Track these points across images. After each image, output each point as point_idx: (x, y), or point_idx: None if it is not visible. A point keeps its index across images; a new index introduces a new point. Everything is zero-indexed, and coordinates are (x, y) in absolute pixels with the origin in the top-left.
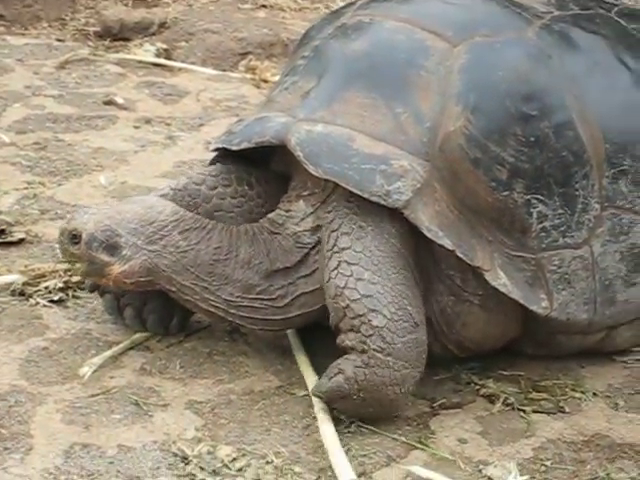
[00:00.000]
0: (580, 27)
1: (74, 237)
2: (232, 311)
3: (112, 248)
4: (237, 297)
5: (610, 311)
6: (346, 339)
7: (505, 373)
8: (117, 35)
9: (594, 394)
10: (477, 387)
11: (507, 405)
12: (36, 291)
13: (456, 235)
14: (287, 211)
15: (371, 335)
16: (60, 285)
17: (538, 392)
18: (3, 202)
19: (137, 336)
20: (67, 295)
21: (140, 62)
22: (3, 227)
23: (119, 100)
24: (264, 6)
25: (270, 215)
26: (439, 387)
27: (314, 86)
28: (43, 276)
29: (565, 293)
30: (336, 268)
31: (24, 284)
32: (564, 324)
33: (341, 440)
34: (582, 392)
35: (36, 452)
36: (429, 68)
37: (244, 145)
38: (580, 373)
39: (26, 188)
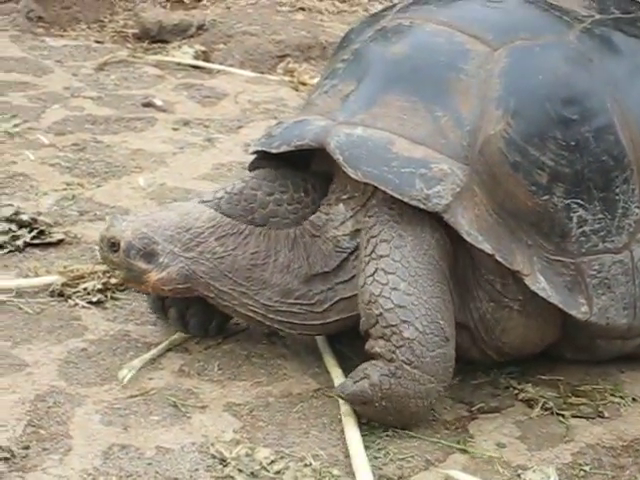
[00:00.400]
0: (621, 31)
1: (113, 245)
2: (271, 316)
3: (149, 255)
4: (275, 302)
5: None
6: (376, 346)
7: (544, 378)
8: (155, 37)
9: (633, 399)
10: (516, 391)
11: (546, 410)
12: (75, 292)
13: (495, 239)
14: (327, 214)
15: (401, 346)
16: (99, 286)
17: (577, 397)
18: (42, 203)
19: (175, 337)
20: (106, 296)
21: (178, 64)
22: (42, 228)
23: (158, 102)
24: (302, 9)
25: (311, 218)
26: (477, 391)
27: (354, 89)
28: (82, 277)
29: (605, 298)
30: (372, 275)
31: (63, 285)
32: (603, 329)
33: (378, 443)
34: (621, 397)
35: (75, 453)
36: (469, 72)
37: (284, 148)
38: (619, 378)
39: (65, 189)
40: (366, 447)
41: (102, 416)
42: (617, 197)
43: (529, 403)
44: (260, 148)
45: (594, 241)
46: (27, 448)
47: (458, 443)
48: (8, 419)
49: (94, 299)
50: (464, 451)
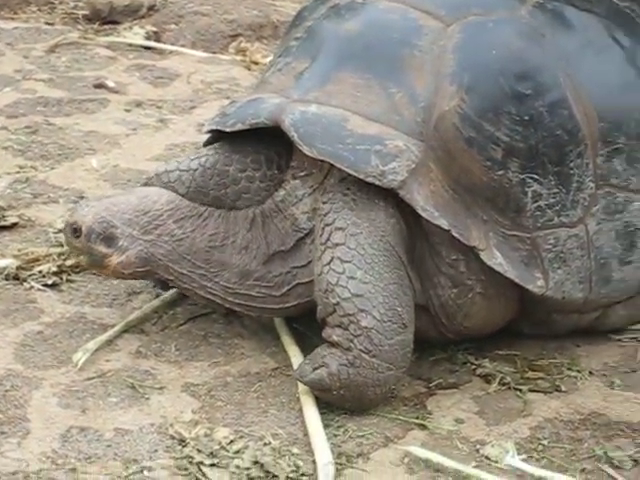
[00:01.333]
0: (573, 5)
1: (75, 230)
2: (229, 298)
3: (109, 239)
4: (234, 283)
5: (606, 290)
6: (333, 334)
7: (501, 353)
8: (106, 18)
9: (590, 373)
10: (473, 367)
11: (503, 385)
12: (30, 275)
13: (451, 215)
14: (286, 191)
15: (359, 335)
16: (54, 269)
17: (534, 371)
18: None
19: (132, 319)
20: (61, 279)
21: (130, 45)
22: None
23: (110, 83)
24: None
25: (273, 195)
26: (435, 367)
27: (307, 67)
28: (37, 260)
29: (560, 272)
30: (329, 264)
31: (18, 268)
32: (560, 303)
33: (337, 421)
34: (578, 371)
35: (33, 436)
36: (423, 48)
37: (238, 127)
38: (576, 352)
39: (18, 172)
40: (325, 425)
41: (60, 399)
42: (571, 171)
43: (487, 378)
44: (215, 127)
45: (549, 215)
46: None
47: (417, 419)
48: None
49: (49, 282)
50: (423, 427)
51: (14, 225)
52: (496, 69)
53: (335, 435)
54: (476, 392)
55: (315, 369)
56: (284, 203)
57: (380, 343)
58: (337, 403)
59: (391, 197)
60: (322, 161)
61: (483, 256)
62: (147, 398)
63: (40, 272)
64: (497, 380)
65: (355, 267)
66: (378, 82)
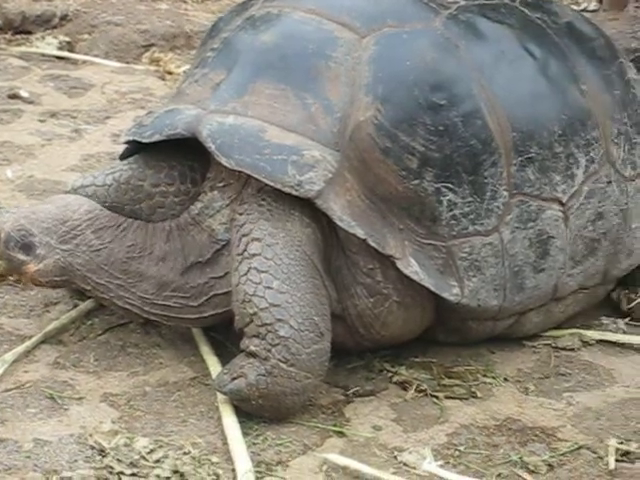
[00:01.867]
0: (486, 17)
1: None
2: (146, 308)
3: (27, 247)
4: (152, 294)
5: (520, 297)
6: (250, 344)
7: (417, 360)
8: (18, 28)
9: (505, 379)
10: (390, 374)
11: (420, 392)
12: None
13: (368, 224)
14: (203, 203)
15: (277, 345)
16: None
17: (450, 378)
18: None
19: (50, 329)
20: None
21: (43, 55)
22: None
23: (24, 94)
24: None
25: (189, 208)
26: (352, 375)
27: (224, 78)
28: None
29: (475, 280)
30: (246, 274)
31: None
32: (475, 311)
33: (256, 429)
34: (493, 377)
35: None
36: (338, 59)
37: (156, 137)
38: (491, 359)
39: None
40: (244, 433)
41: None
42: (486, 180)
43: (403, 385)
44: (132, 137)
45: (464, 224)
46: None
47: (335, 427)
48: None
49: None
50: (341, 434)
51: None
52: (410, 80)
53: (254, 443)
54: (393, 399)
55: (234, 379)
56: (201, 215)
57: (298, 352)
58: (256, 412)
59: (307, 207)
60: (240, 172)
61: (399, 265)
62: (66, 409)
63: None
64: (414, 387)
65: (272, 277)
66: (294, 93)
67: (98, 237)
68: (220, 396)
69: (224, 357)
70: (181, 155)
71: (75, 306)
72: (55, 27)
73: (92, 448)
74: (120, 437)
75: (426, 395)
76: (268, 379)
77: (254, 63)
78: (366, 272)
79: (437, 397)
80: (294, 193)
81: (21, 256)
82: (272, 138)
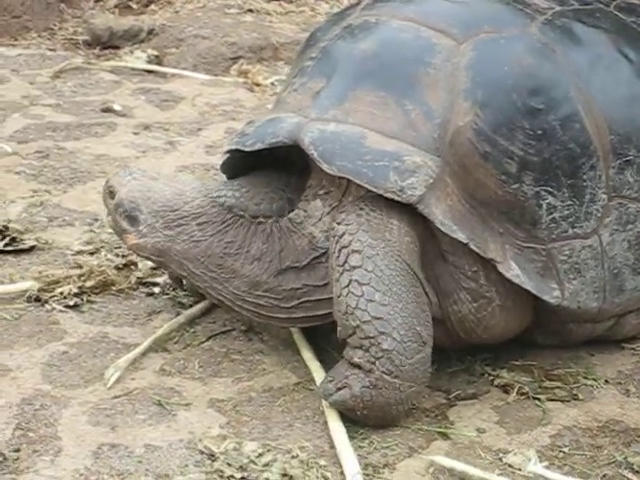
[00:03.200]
0: (581, 22)
1: (111, 192)
2: (238, 303)
3: (132, 220)
4: (243, 292)
5: (619, 299)
6: (354, 356)
7: (517, 363)
8: (106, 43)
9: (606, 381)
10: (491, 378)
11: (522, 394)
12: (51, 297)
13: (469, 228)
14: (305, 211)
15: (380, 357)
16: (75, 290)
17: (551, 381)
18: (11, 211)
19: (156, 336)
20: (82, 300)
21: (133, 69)
22: (14, 235)
23: (116, 107)
24: (250, 10)
25: (290, 215)
26: (453, 379)
27: (324, 86)
28: (57, 282)
29: (576, 282)
30: (347, 286)
31: (39, 290)
32: (575, 313)
33: (362, 433)
34: (594, 379)
35: (65, 454)
36: (436, 65)
37: (258, 146)
38: (591, 361)
39: (32, 196)
40: (350, 437)
41: (89, 417)
42: (584, 184)
43: (505, 388)
44: (234, 147)
45: (563, 227)
46: (18, 451)
47: (439, 429)
48: None
49: (71, 303)
50: (445, 437)
51: (32, 248)
52: (509, 85)
53: (360, 447)
54: (495, 402)
55: (338, 389)
56: (302, 223)
57: (401, 364)
58: (360, 421)
59: (405, 215)
60: (340, 178)
61: (500, 268)
62: (174, 415)
63: (61, 294)
64: (515, 390)
65: (373, 289)
66: (394, 99)
67: (201, 229)
68: (325, 402)
69: (326, 362)
70: (281, 168)
71: (178, 314)
72: (142, 41)
73: (202, 453)
74: (229, 442)
75: (528, 398)
76: (373, 391)
77: (353, 71)
78: (470, 276)
79: (539, 399)
80: (396, 199)
81: (125, 224)
82: (373, 144)
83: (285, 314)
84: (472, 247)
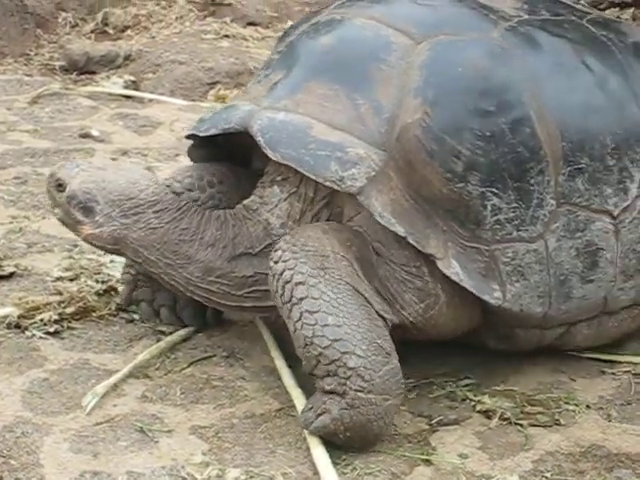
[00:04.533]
0: (547, 31)
1: (59, 185)
2: (190, 288)
3: (87, 211)
4: (197, 277)
5: (566, 306)
6: (325, 384)
7: (499, 388)
8: (83, 68)
9: (587, 406)
10: (473, 403)
11: (504, 420)
12: (32, 323)
13: (409, 223)
14: (261, 197)
15: (350, 377)
16: (55, 317)
17: (533, 406)
18: None
19: (136, 363)
20: (62, 327)
21: (110, 94)
22: None
23: (94, 133)
24: (227, 36)
25: (245, 201)
26: (435, 404)
27: (282, 78)
28: (37, 308)
29: (518, 285)
30: (299, 319)
31: (19, 317)
32: (519, 316)
33: (345, 459)
34: (575, 405)
35: None
36: (391, 62)
37: (212, 131)
38: (572, 386)
39: (11, 222)
40: (333, 463)
41: (71, 444)
42: (532, 188)
43: (487, 414)
44: (192, 132)
45: (508, 229)
46: (0, 479)
47: (422, 455)
48: None
49: (51, 329)
50: (428, 463)
51: (11, 274)
52: (461, 85)
53: (344, 473)
54: (478, 427)
55: (318, 415)
56: (258, 210)
57: (371, 378)
58: (345, 444)
59: (338, 238)
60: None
61: (440, 265)
62: (156, 441)
63: (41, 320)
64: (497, 415)
65: (325, 314)
66: (345, 93)
67: (157, 217)
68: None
69: (307, 388)
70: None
71: (159, 340)
72: (119, 67)
73: None
74: (212, 468)
75: (510, 423)
76: (351, 412)
77: (311, 64)
78: (415, 272)
79: (521, 425)
80: (335, 188)
81: (80, 216)
82: (318, 134)
83: (236, 302)
84: (410, 241)
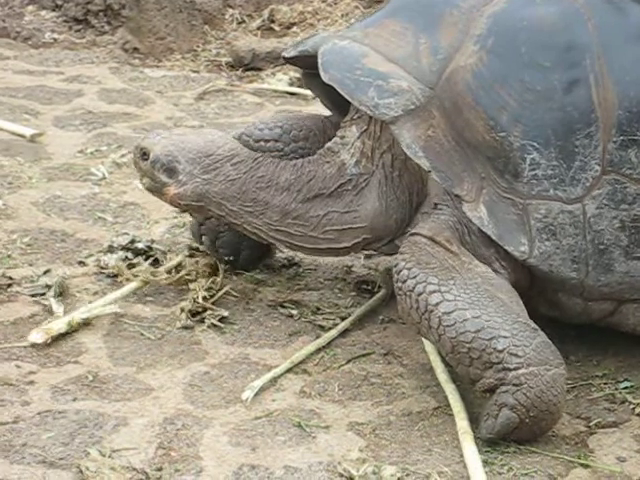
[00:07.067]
0: (633, 3)
1: (144, 154)
2: (271, 234)
3: (171, 171)
4: (275, 221)
5: (606, 278)
6: (485, 379)
7: None
8: (248, 65)
9: None
10: (632, 406)
11: None
12: (199, 320)
13: (444, 163)
14: (342, 137)
15: (503, 359)
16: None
17: None
18: (154, 231)
19: (295, 358)
20: (223, 322)
21: (275, 91)
22: (157, 256)
23: None
24: None
25: (328, 144)
26: (593, 407)
27: (368, 16)
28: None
29: (549, 244)
30: (439, 325)
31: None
32: (552, 278)
33: (501, 460)
34: None
35: (207, 474)
36: (463, 8)
37: (292, 53)
38: None
39: (175, 217)
40: (489, 463)
41: (230, 437)
42: (576, 149)
43: None
44: (283, 54)
45: (545, 186)
46: (160, 470)
47: (579, 458)
48: (139, 442)
49: (214, 321)
50: (585, 466)
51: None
52: (521, 37)
53: (499, 473)
54: (637, 431)
55: (497, 416)
56: (338, 151)
57: (525, 353)
58: (533, 429)
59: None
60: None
61: (466, 207)
62: (314, 437)
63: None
64: None
65: (462, 310)
66: (413, 32)
67: (235, 169)
68: (461, 427)
69: (462, 385)
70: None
71: (317, 336)
72: (285, 64)
73: (341, 475)
74: (368, 465)
75: None
76: (522, 390)
77: (395, 5)
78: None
79: None
80: (369, 113)
81: (164, 178)
82: (368, 63)
83: (312, 244)
84: (434, 177)
